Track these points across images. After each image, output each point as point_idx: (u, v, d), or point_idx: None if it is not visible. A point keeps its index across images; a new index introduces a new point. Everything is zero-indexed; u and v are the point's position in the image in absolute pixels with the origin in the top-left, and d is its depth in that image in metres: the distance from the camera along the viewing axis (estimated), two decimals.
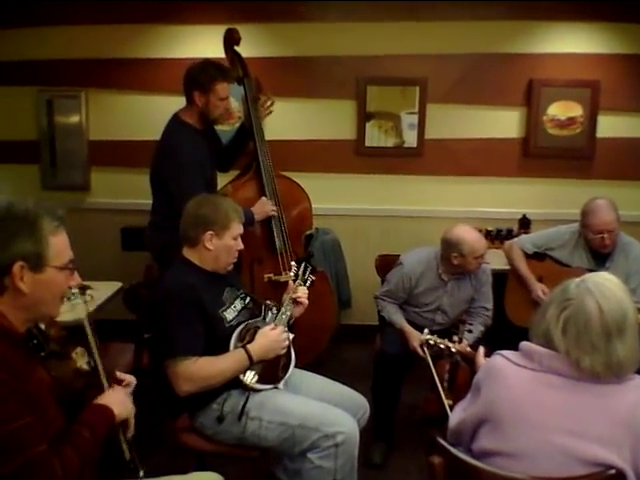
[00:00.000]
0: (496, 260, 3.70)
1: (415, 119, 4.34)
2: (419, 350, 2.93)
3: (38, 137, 4.48)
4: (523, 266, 3.43)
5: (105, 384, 1.70)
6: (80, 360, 1.67)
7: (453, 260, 3.06)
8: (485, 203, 4.41)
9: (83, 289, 2.79)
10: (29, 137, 4.48)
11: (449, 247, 3.06)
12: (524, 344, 1.65)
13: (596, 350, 1.53)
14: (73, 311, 2.73)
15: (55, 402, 1.51)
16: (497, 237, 4.26)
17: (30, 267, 1.44)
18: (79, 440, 1.48)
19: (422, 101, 4.31)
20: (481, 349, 2.20)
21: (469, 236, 3.05)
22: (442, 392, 2.76)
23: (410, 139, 4.37)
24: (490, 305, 3.25)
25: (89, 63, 4.33)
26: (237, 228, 2.39)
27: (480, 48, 4.25)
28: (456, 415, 1.76)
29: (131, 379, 1.81)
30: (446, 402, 2.72)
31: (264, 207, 3.37)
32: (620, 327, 1.54)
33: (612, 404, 1.53)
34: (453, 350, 2.60)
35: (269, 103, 3.52)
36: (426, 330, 2.76)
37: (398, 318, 3.18)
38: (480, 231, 4.23)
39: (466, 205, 4.40)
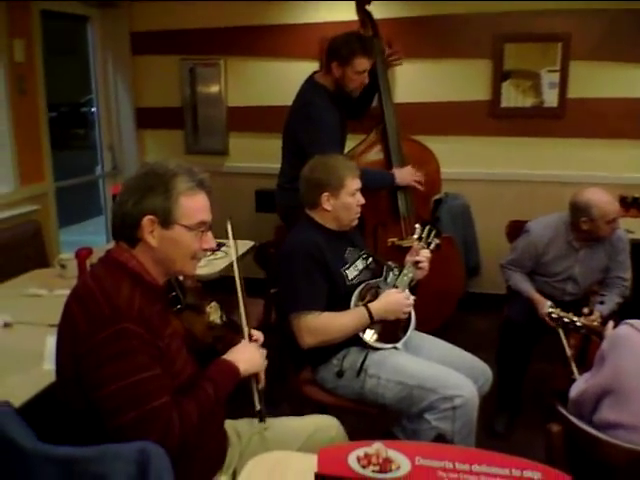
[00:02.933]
0: None
1: (556, 77, 4.09)
2: (548, 319, 2.80)
3: (182, 104, 4.76)
4: None
5: (246, 333, 1.76)
6: (214, 314, 1.75)
7: (582, 225, 2.86)
8: (632, 168, 4.09)
9: (218, 245, 2.98)
10: (174, 104, 4.77)
11: (577, 211, 2.87)
12: None
13: None
14: (209, 266, 2.94)
15: (186, 353, 1.59)
16: None
17: (159, 222, 1.51)
18: (201, 395, 1.53)
19: (565, 58, 4.05)
20: (610, 324, 2.07)
21: (599, 198, 2.82)
22: (573, 365, 2.63)
23: (550, 99, 4.13)
24: (628, 275, 3.01)
25: (227, 31, 4.50)
26: (352, 184, 2.39)
27: (629, 2, 3.87)
28: (578, 386, 1.69)
29: (259, 335, 1.85)
30: (577, 376, 2.58)
31: (408, 176, 3.35)
32: None
33: None
34: (578, 324, 2.44)
35: (397, 56, 3.48)
36: (549, 302, 2.63)
37: (526, 286, 3.04)
38: (625, 198, 3.97)
39: (611, 170, 4.09)
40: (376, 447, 0.85)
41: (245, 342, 1.75)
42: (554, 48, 4.05)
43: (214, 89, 4.69)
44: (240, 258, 3.27)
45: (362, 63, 3.17)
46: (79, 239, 5.18)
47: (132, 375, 1.39)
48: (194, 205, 1.55)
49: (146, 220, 1.51)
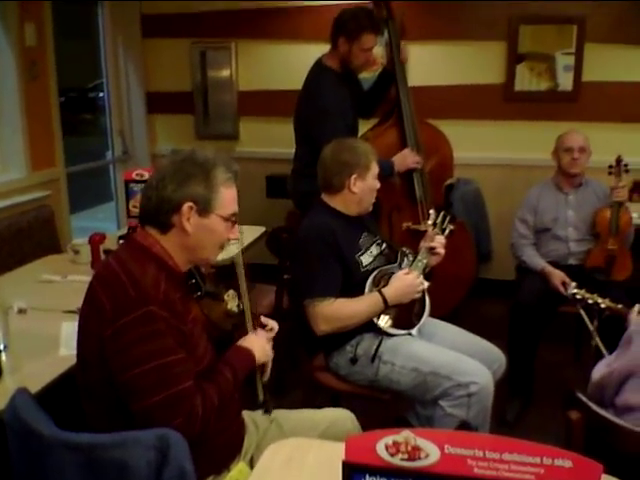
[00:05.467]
0: None
1: (572, 60, 4.04)
2: (561, 288, 2.89)
3: (192, 88, 4.73)
4: None
5: (249, 325, 1.77)
6: (231, 302, 1.76)
7: (553, 157, 3.25)
8: None
9: None
10: (185, 88, 4.74)
11: None
12: None
13: None
14: (222, 252, 2.93)
15: (206, 339, 1.60)
16: None
17: (198, 210, 1.52)
18: (221, 379, 1.55)
19: (580, 41, 4.00)
20: (636, 307, 2.06)
21: (565, 131, 3.23)
22: (599, 344, 2.58)
23: (565, 82, 4.09)
24: None
25: (238, 14, 4.46)
26: (376, 167, 2.39)
27: None
28: (600, 369, 1.68)
29: (274, 324, 1.86)
30: (606, 353, 2.54)
31: (406, 159, 3.31)
32: None
33: None
34: (603, 306, 2.42)
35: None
36: (573, 284, 2.62)
37: (538, 260, 3.15)
38: None
39: (626, 154, 3.99)
40: (405, 435, 0.84)
41: (253, 333, 1.76)
42: (569, 30, 4.00)
43: (225, 73, 4.66)
44: (251, 244, 3.27)
45: (369, 40, 3.14)
46: (89, 225, 5.19)
47: (158, 358, 1.40)
48: (230, 196, 1.58)
49: (186, 206, 1.51)
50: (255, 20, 4.45)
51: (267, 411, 1.75)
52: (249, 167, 4.55)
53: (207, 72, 4.68)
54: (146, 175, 3.15)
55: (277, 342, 1.87)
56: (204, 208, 1.53)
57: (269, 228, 3.43)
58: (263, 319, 1.86)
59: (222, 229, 1.58)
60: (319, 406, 2.07)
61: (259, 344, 1.73)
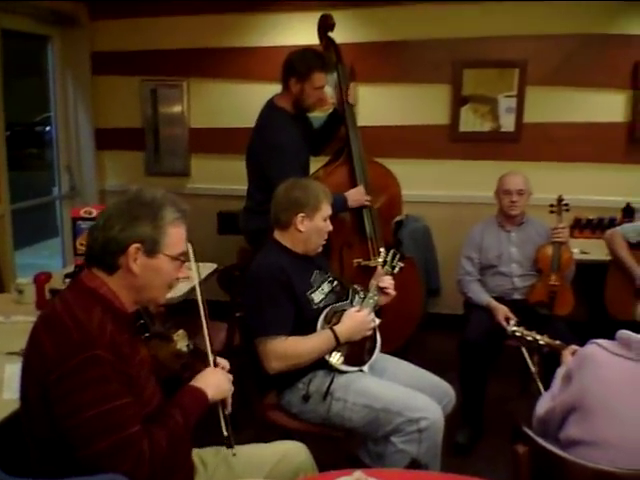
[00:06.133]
0: (597, 250, 3.55)
1: (513, 102, 4.22)
2: (504, 323, 2.97)
3: (143, 125, 4.72)
4: (626, 255, 3.27)
5: (210, 359, 1.74)
6: (180, 342, 1.73)
7: (495, 198, 3.38)
8: (586, 190, 4.21)
9: None
10: (135, 125, 4.72)
11: None
12: (622, 332, 1.61)
13: None
14: (172, 290, 2.89)
15: (154, 381, 1.58)
16: (598, 226, 4.06)
17: (145, 251, 1.50)
18: (171, 422, 1.51)
19: (521, 84, 4.19)
20: (571, 347, 2.13)
21: (506, 174, 3.36)
22: (538, 381, 2.66)
23: (507, 123, 4.25)
24: None
25: (190, 53, 4.51)
26: (327, 209, 2.42)
27: (584, 28, 4.05)
28: (543, 403, 1.73)
29: (225, 363, 1.84)
30: (543, 391, 2.61)
31: (360, 196, 3.37)
32: None
33: None
34: (541, 343, 2.49)
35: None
36: (512, 321, 2.71)
37: (484, 296, 3.25)
38: (580, 220, 4.10)
39: (566, 192, 4.16)
40: (356, 476, 0.85)
41: (211, 368, 1.74)
42: (511, 74, 4.18)
43: (176, 110, 4.67)
44: (203, 281, 3.24)
45: (320, 78, 3.21)
46: (33, 262, 5.05)
47: (104, 403, 1.37)
48: (178, 236, 1.57)
49: (133, 247, 1.50)
50: (206, 59, 4.50)
51: (230, 446, 1.71)
52: (200, 204, 4.55)
53: (158, 109, 4.68)
54: (94, 212, 3.10)
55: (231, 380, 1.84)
56: (151, 249, 1.52)
57: (221, 265, 3.41)
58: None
59: (170, 269, 1.56)
60: None
61: (214, 381, 1.69)
